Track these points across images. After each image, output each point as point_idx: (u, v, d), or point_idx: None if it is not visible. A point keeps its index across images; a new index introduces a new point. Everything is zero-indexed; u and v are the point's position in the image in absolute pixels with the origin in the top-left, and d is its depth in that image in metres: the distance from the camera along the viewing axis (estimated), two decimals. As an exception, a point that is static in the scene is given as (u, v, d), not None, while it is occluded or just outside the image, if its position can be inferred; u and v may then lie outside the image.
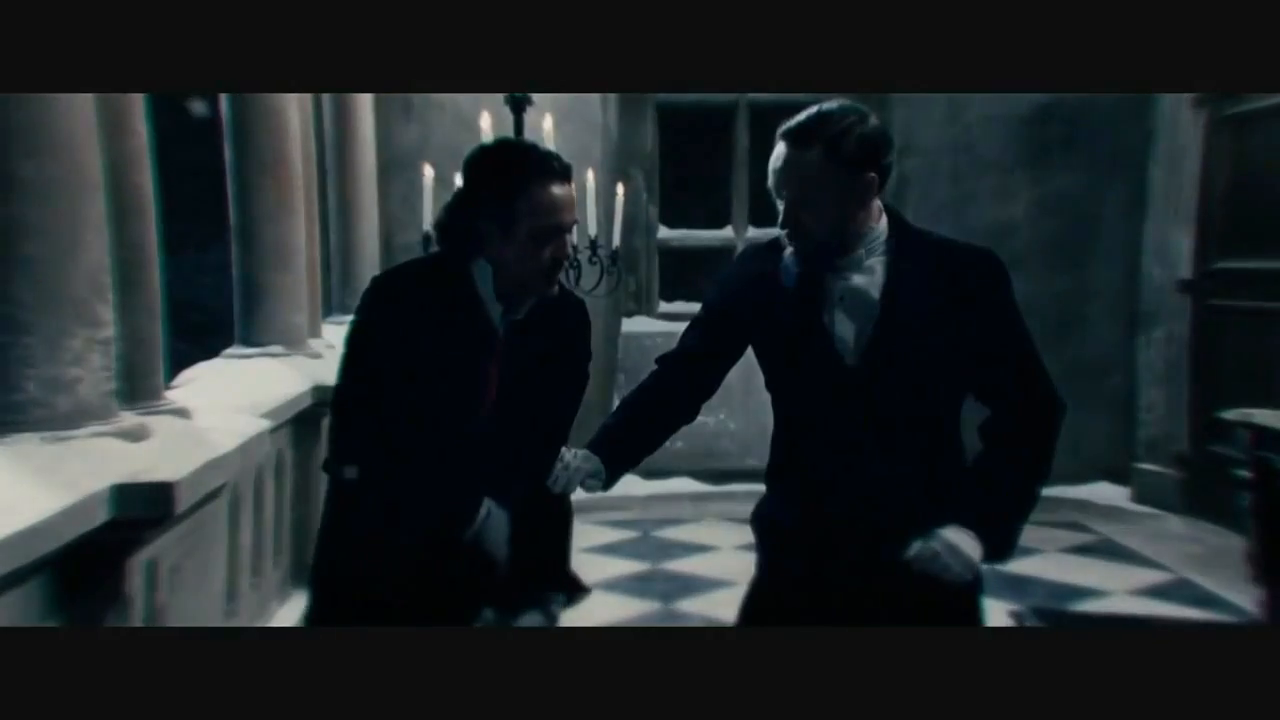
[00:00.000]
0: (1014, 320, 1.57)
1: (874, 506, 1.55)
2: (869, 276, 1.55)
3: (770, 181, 1.57)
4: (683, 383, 1.70)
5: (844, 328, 1.55)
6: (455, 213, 1.61)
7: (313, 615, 1.68)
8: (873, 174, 1.53)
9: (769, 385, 1.66)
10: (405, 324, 1.58)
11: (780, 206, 1.56)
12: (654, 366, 1.73)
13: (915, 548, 1.50)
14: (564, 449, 1.62)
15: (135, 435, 1.98)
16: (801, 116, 1.54)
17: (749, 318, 1.62)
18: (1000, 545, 1.53)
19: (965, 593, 1.55)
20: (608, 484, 1.63)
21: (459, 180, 1.65)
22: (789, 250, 1.58)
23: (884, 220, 1.58)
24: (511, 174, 1.55)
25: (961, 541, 1.51)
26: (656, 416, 1.70)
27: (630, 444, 1.67)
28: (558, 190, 1.56)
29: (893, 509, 1.54)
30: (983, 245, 1.61)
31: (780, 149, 1.54)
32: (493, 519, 1.61)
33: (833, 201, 1.52)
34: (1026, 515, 1.55)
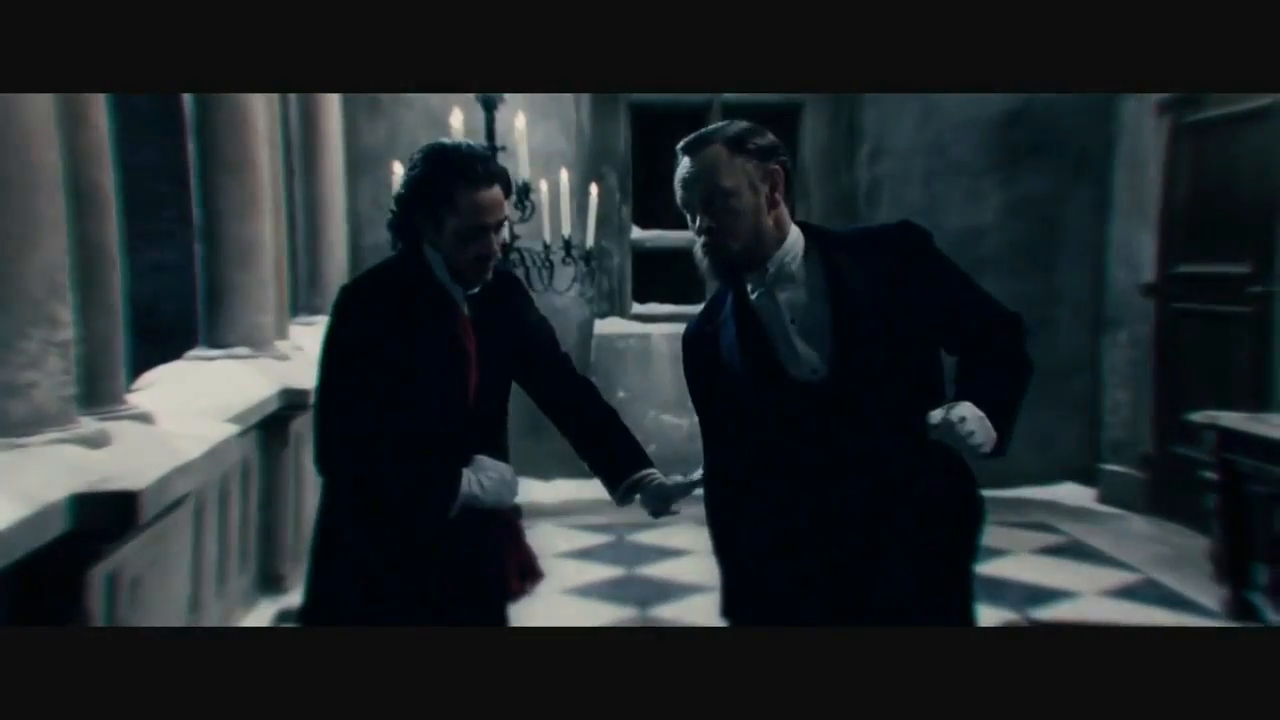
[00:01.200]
0: (952, 270, 1.60)
1: (871, 500, 1.55)
2: (809, 288, 1.57)
3: (680, 198, 1.58)
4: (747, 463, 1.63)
5: (806, 345, 1.56)
6: (397, 208, 1.73)
7: (311, 608, 1.71)
8: (776, 165, 1.55)
9: (715, 441, 1.67)
10: (381, 322, 1.65)
11: (694, 222, 1.57)
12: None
13: (936, 417, 1.45)
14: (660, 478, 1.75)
15: (95, 442, 1.91)
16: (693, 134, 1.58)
17: (720, 381, 1.63)
18: (1001, 430, 1.48)
19: (962, 541, 1.60)
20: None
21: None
22: (716, 289, 1.60)
23: (795, 230, 1.59)
24: (436, 179, 1.65)
25: (976, 412, 1.46)
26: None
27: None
28: (480, 194, 1.64)
29: (891, 490, 1.55)
30: (896, 221, 1.64)
31: (684, 162, 1.56)
32: (487, 475, 1.67)
33: (745, 194, 1.53)
34: (1019, 405, 1.54)
